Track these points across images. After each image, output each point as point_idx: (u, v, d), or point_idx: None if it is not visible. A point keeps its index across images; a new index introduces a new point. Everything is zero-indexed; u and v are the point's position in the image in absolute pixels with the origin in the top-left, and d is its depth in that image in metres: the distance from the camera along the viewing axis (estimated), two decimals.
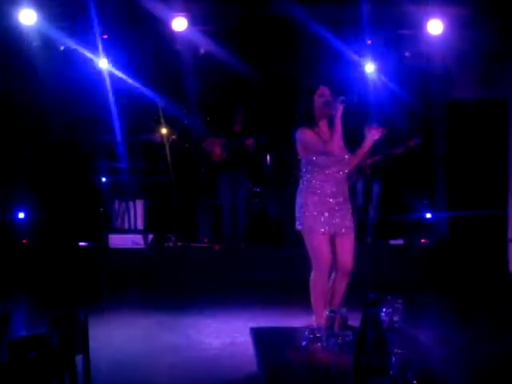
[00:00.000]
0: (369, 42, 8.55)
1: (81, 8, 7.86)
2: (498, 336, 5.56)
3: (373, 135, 4.86)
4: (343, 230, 4.84)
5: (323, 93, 4.85)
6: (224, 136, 8.71)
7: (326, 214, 4.78)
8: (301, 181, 5.03)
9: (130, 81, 9.21)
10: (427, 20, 8.02)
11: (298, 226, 4.89)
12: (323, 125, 4.89)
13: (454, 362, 4.58)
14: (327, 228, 4.78)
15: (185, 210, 9.54)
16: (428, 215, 9.18)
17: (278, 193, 9.73)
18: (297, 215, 4.91)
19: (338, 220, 4.81)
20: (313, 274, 4.84)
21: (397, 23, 8.13)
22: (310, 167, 4.88)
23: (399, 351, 2.16)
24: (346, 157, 4.86)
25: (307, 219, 4.80)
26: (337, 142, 4.74)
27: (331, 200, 4.80)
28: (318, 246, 4.78)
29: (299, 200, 4.91)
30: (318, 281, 4.80)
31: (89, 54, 8.60)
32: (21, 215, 8.90)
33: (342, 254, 4.83)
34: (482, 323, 6.10)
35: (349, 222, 4.88)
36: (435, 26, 7.99)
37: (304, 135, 4.87)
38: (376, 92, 9.19)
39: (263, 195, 9.74)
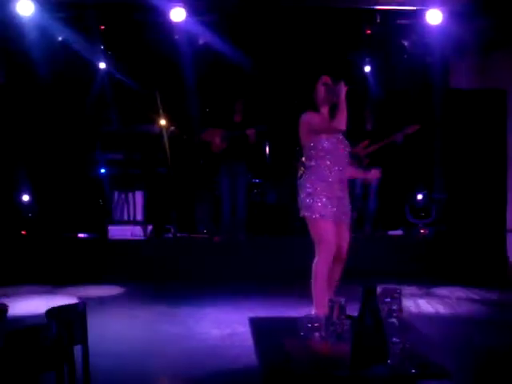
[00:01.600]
0: (368, 31, 8.53)
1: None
2: (497, 327, 5.59)
3: (372, 175, 5.07)
4: (344, 217, 4.90)
5: (325, 80, 4.96)
6: (224, 127, 8.69)
7: (335, 201, 4.84)
8: (304, 169, 5.05)
9: (127, 71, 9.20)
10: (426, 10, 7.99)
11: (306, 213, 4.88)
12: (325, 112, 4.97)
13: (452, 351, 4.60)
14: (335, 215, 4.84)
15: (184, 202, 9.55)
16: (426, 204, 9.18)
17: (278, 184, 9.74)
18: (304, 203, 4.90)
19: (341, 207, 4.89)
20: (317, 259, 4.84)
21: (395, 13, 8.10)
22: (314, 152, 4.91)
23: (397, 340, 2.16)
24: (344, 140, 4.93)
25: (318, 207, 4.82)
26: (343, 121, 4.78)
27: (337, 186, 4.87)
28: (326, 232, 4.80)
29: (307, 188, 4.91)
30: (322, 267, 4.80)
31: (86, 45, 8.58)
32: (25, 197, 8.92)
33: (341, 241, 4.88)
34: (480, 312, 6.13)
35: (348, 209, 4.97)
36: (434, 16, 7.96)
37: (309, 116, 4.94)
38: (372, 82, 9.19)
39: (262, 186, 9.74)
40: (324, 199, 4.82)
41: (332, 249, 4.80)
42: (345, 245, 4.91)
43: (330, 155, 4.86)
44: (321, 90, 4.93)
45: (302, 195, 4.94)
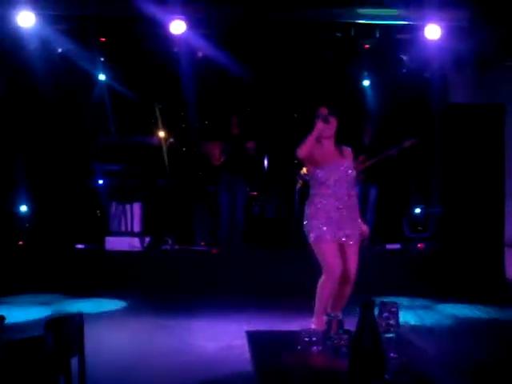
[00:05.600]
0: (366, 46, 8.56)
1: (79, 11, 7.86)
2: (494, 343, 5.57)
3: (364, 232, 5.08)
4: (350, 241, 4.95)
5: (321, 112, 4.99)
6: (222, 140, 8.71)
7: (335, 225, 4.91)
8: (302, 183, 5.12)
9: (127, 83, 9.22)
10: (425, 25, 8.03)
11: (309, 239, 5.00)
12: (328, 144, 5.03)
13: (449, 366, 4.58)
14: (334, 238, 4.91)
15: (182, 213, 9.54)
16: (424, 219, 9.19)
17: (276, 196, 9.75)
18: (306, 228, 5.04)
19: (344, 231, 4.93)
20: (323, 278, 4.93)
21: (393, 28, 8.14)
22: (312, 181, 5.07)
23: (395, 355, 2.16)
24: (347, 170, 4.97)
25: (314, 231, 4.94)
26: (302, 149, 4.89)
27: (334, 213, 4.93)
28: (325, 254, 4.91)
29: (306, 212, 5.08)
30: (326, 285, 4.90)
31: (86, 57, 8.61)
32: (23, 208, 8.91)
33: (348, 263, 4.94)
34: (479, 328, 6.11)
35: (354, 232, 4.98)
36: (433, 31, 8.00)
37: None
38: (372, 96, 9.22)
39: (261, 199, 9.74)
40: (319, 225, 4.92)
41: (334, 270, 4.87)
42: (352, 267, 4.94)
43: (327, 184, 4.95)
44: (319, 126, 4.94)
45: (304, 222, 5.06)
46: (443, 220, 8.86)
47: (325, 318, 4.44)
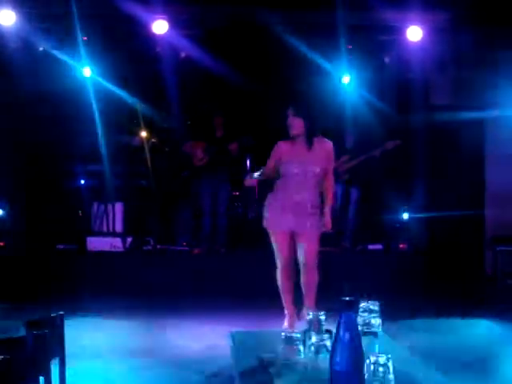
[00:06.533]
0: (349, 46, 8.60)
1: (61, 9, 7.81)
2: (475, 341, 5.62)
3: (326, 224, 5.39)
4: (304, 230, 5.29)
5: (288, 114, 5.33)
6: (205, 140, 8.69)
7: (287, 216, 5.29)
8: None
9: (109, 83, 9.17)
10: (406, 26, 8.09)
11: (264, 225, 5.44)
12: (300, 140, 5.31)
13: (429, 365, 4.61)
14: (286, 228, 5.30)
15: (164, 214, 9.51)
16: (406, 219, 9.24)
17: (258, 196, 9.74)
18: (263, 215, 5.48)
19: (298, 221, 5.28)
20: (277, 270, 5.42)
21: (376, 29, 8.19)
22: (277, 174, 5.39)
23: (375, 355, 2.16)
24: (312, 165, 5.27)
25: (268, 220, 5.39)
26: (267, 175, 5.45)
27: (292, 205, 5.27)
28: (276, 243, 5.35)
29: (266, 201, 5.50)
30: (279, 275, 5.39)
31: (68, 56, 8.55)
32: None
33: (302, 250, 5.30)
34: (459, 327, 6.16)
35: (310, 224, 5.30)
36: (414, 33, 8.06)
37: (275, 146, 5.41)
38: (353, 98, 9.24)
39: (243, 199, 9.73)
40: (274, 214, 5.35)
41: (283, 257, 5.35)
42: (306, 253, 5.28)
43: (286, 178, 5.30)
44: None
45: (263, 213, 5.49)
46: (425, 220, 8.92)
47: (289, 305, 5.41)
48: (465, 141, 8.77)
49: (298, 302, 5.47)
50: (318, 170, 5.26)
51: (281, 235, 5.33)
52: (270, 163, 5.38)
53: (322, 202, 5.42)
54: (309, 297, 5.29)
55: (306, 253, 5.28)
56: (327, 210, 5.33)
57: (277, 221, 5.32)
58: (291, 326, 5.31)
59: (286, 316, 5.49)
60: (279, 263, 5.38)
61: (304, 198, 5.26)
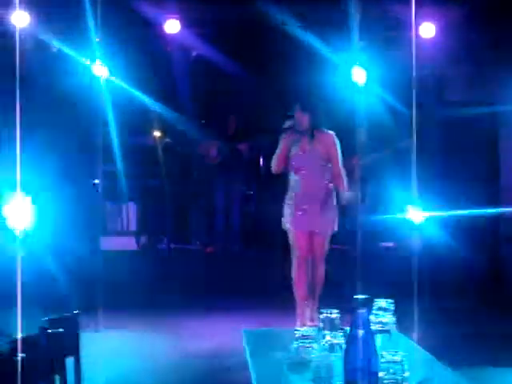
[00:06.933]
0: (361, 42, 8.54)
1: (74, 10, 7.83)
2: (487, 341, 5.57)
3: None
4: (317, 225, 5.50)
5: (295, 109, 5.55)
6: (219, 140, 8.70)
7: (302, 214, 5.49)
8: None
9: (122, 83, 9.19)
10: (419, 23, 8.04)
11: (282, 225, 5.67)
12: (304, 135, 5.51)
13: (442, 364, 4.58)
14: (303, 226, 5.50)
15: (178, 213, 9.52)
16: (417, 217, 9.16)
17: (272, 196, 9.72)
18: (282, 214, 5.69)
19: (312, 217, 5.48)
20: (292, 266, 5.59)
21: (388, 25, 8.15)
22: (289, 167, 5.59)
23: (389, 353, 2.16)
24: (317, 158, 5.48)
25: (286, 217, 5.59)
26: (279, 165, 5.60)
27: (305, 201, 5.48)
28: (293, 240, 5.55)
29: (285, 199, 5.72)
30: (294, 269, 5.55)
31: (81, 56, 8.57)
32: None
33: (314, 246, 5.55)
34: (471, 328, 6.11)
35: (323, 218, 5.50)
36: (427, 29, 8.01)
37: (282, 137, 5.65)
38: (364, 95, 9.19)
39: (257, 198, 9.73)
40: (289, 210, 5.56)
41: (300, 253, 5.51)
42: (316, 248, 5.52)
43: (297, 172, 5.50)
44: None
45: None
46: (437, 218, 8.84)
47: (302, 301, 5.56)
48: (478, 137, 8.70)
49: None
50: (322, 161, 5.47)
51: (298, 233, 5.51)
52: (282, 149, 5.55)
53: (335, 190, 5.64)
54: (314, 294, 5.40)
55: (315, 245, 5.50)
56: (342, 189, 5.58)
57: (293, 220, 5.51)
58: (303, 324, 5.32)
59: (297, 316, 5.54)
60: (295, 259, 5.54)
61: (315, 191, 5.46)
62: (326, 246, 5.59)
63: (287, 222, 5.57)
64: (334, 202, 5.60)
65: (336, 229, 5.62)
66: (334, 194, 5.63)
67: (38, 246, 8.12)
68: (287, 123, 5.61)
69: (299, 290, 5.55)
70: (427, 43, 8.16)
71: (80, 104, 9.10)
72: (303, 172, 5.47)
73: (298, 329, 2.50)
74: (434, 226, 8.89)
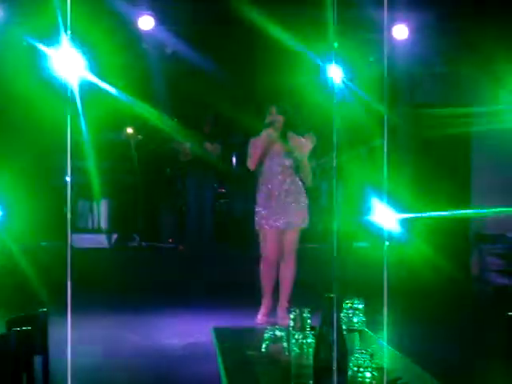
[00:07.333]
0: (336, 43, 8.58)
1: (45, 3, 7.74)
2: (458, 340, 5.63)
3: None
4: (287, 223, 5.60)
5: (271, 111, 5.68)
6: (192, 137, 8.67)
7: (273, 213, 5.59)
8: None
9: (95, 79, 9.10)
10: (392, 24, 8.11)
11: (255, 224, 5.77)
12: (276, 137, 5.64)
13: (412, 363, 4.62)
14: (272, 224, 5.59)
15: (150, 210, 9.47)
16: (390, 217, 9.24)
17: (244, 194, 9.72)
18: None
19: (283, 216, 5.58)
20: (261, 261, 5.73)
21: (362, 27, 8.19)
22: (262, 166, 5.71)
23: (358, 352, 2.17)
24: (286, 159, 5.62)
25: (256, 215, 5.70)
26: (255, 161, 5.65)
27: (275, 200, 5.58)
28: (263, 237, 5.68)
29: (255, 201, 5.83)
30: (262, 266, 5.69)
31: (52, 51, 8.47)
32: None
33: (284, 243, 5.66)
34: (443, 326, 6.18)
35: (292, 215, 5.61)
36: (400, 31, 8.08)
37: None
38: (338, 96, 9.22)
39: (229, 196, 9.72)
40: (260, 209, 5.67)
41: (268, 251, 5.64)
42: (286, 247, 5.64)
43: (269, 169, 5.62)
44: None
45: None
46: (409, 217, 8.92)
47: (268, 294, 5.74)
48: (451, 139, 8.79)
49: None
50: (293, 161, 5.59)
51: (268, 231, 5.64)
52: (260, 146, 5.61)
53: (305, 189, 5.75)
54: (283, 292, 5.54)
55: (285, 241, 5.62)
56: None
57: (264, 218, 5.62)
58: (264, 319, 5.43)
59: (260, 309, 5.73)
60: (264, 254, 5.67)
61: (285, 189, 5.57)
62: (296, 243, 5.69)
63: (258, 220, 5.67)
64: (306, 200, 5.66)
65: (306, 226, 5.72)
66: (305, 191, 5.67)
67: (8, 244, 8.05)
68: (268, 119, 5.65)
69: (266, 286, 5.69)
70: (400, 44, 8.23)
71: (50, 99, 9.00)
72: (274, 170, 5.59)
73: (268, 327, 2.51)
74: (405, 226, 9.00)
